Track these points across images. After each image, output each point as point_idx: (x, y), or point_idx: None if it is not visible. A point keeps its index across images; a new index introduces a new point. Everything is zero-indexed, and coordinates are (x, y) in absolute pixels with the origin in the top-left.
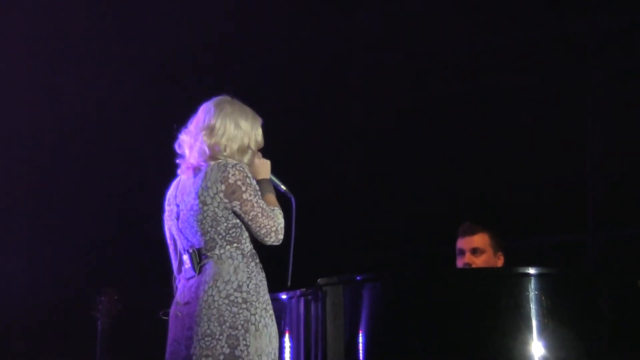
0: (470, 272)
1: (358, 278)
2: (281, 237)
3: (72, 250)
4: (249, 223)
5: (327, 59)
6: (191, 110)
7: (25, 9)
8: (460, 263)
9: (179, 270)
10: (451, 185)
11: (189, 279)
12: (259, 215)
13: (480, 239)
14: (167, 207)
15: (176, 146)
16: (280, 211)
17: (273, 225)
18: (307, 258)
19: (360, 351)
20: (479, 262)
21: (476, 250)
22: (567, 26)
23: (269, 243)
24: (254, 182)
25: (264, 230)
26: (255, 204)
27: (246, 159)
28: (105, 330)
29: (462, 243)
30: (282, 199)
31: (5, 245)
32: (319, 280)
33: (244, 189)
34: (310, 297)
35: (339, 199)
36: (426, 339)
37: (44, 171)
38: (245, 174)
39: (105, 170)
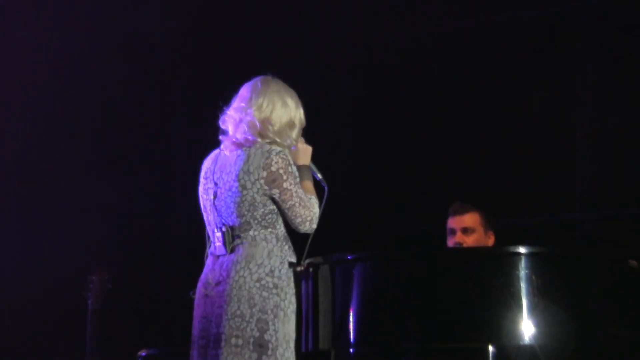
0: (461, 252)
1: (349, 257)
2: (315, 226)
3: (62, 230)
4: (286, 211)
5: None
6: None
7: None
8: (451, 242)
9: (209, 245)
10: (441, 165)
11: (218, 256)
12: (297, 204)
13: (471, 219)
14: (203, 180)
15: (220, 122)
16: (317, 200)
17: (308, 215)
18: (300, 237)
19: (351, 330)
20: (469, 241)
21: (467, 229)
22: (558, 4)
23: (302, 231)
24: (295, 170)
25: (299, 219)
26: (294, 194)
27: (294, 133)
28: (96, 310)
29: (453, 222)
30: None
31: None
32: (310, 259)
33: (285, 177)
34: (301, 276)
35: (329, 179)
36: (417, 318)
37: (34, 152)
38: (287, 162)
39: (95, 152)
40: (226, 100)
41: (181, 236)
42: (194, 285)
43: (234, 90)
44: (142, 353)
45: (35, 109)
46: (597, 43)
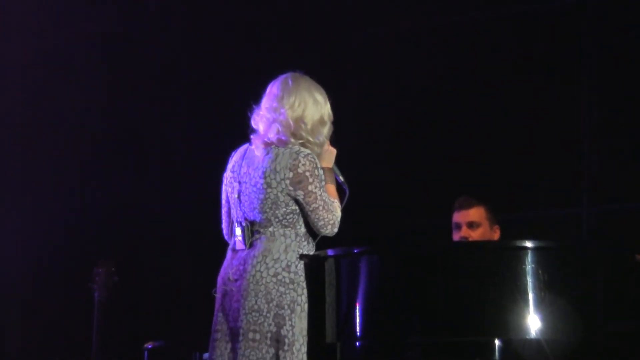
0: (467, 246)
1: (355, 251)
2: (336, 230)
3: (68, 221)
4: (309, 213)
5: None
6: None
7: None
8: (456, 237)
9: (229, 238)
10: (447, 158)
11: (237, 250)
12: (320, 208)
13: (476, 213)
14: (229, 173)
15: (252, 121)
16: (339, 204)
17: (331, 218)
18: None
19: (357, 324)
20: (475, 235)
21: (472, 223)
22: None
23: (323, 234)
24: (322, 174)
25: (321, 222)
26: (318, 197)
27: (325, 130)
28: (102, 302)
29: (459, 217)
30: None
31: (1, 217)
32: (316, 252)
33: (310, 180)
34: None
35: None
36: (423, 311)
37: (38, 141)
38: (314, 165)
39: (102, 142)
40: (224, 99)
41: (188, 229)
42: (200, 278)
43: (235, 87)
44: (149, 345)
45: (42, 102)
46: (602, 38)
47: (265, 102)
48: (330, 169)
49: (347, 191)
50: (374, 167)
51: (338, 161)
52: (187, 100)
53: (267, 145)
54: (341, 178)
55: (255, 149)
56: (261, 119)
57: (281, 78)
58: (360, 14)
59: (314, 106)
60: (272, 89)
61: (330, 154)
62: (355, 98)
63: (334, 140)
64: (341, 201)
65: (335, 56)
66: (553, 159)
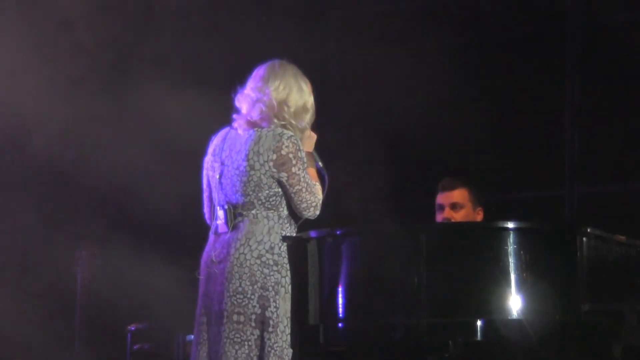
0: (450, 227)
1: (338, 232)
2: (318, 212)
3: (51, 204)
4: (292, 195)
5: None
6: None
7: None
8: (439, 218)
9: (211, 222)
10: (430, 141)
11: (220, 234)
12: (303, 190)
13: (459, 194)
14: (210, 157)
15: (236, 101)
16: (320, 187)
17: (313, 200)
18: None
19: (340, 305)
20: (458, 217)
21: (455, 205)
22: None
23: (306, 216)
24: (304, 156)
25: (304, 205)
26: (301, 179)
27: (308, 117)
28: (85, 285)
29: (442, 198)
30: None
31: None
32: (299, 234)
33: (294, 162)
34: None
35: (320, 154)
36: (405, 293)
37: (24, 125)
38: (297, 147)
39: (88, 129)
40: (204, 83)
41: (171, 212)
42: (182, 260)
43: (212, 70)
44: (132, 327)
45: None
46: (587, 17)
47: (250, 82)
48: (311, 154)
49: (327, 177)
50: (357, 147)
51: (326, 147)
52: (172, 88)
53: (250, 124)
54: (320, 163)
55: (237, 127)
56: (245, 99)
57: (269, 62)
58: None
59: (298, 93)
60: (259, 71)
61: (310, 138)
62: (338, 79)
63: (317, 125)
64: (322, 187)
65: (314, 37)
66: (536, 140)
